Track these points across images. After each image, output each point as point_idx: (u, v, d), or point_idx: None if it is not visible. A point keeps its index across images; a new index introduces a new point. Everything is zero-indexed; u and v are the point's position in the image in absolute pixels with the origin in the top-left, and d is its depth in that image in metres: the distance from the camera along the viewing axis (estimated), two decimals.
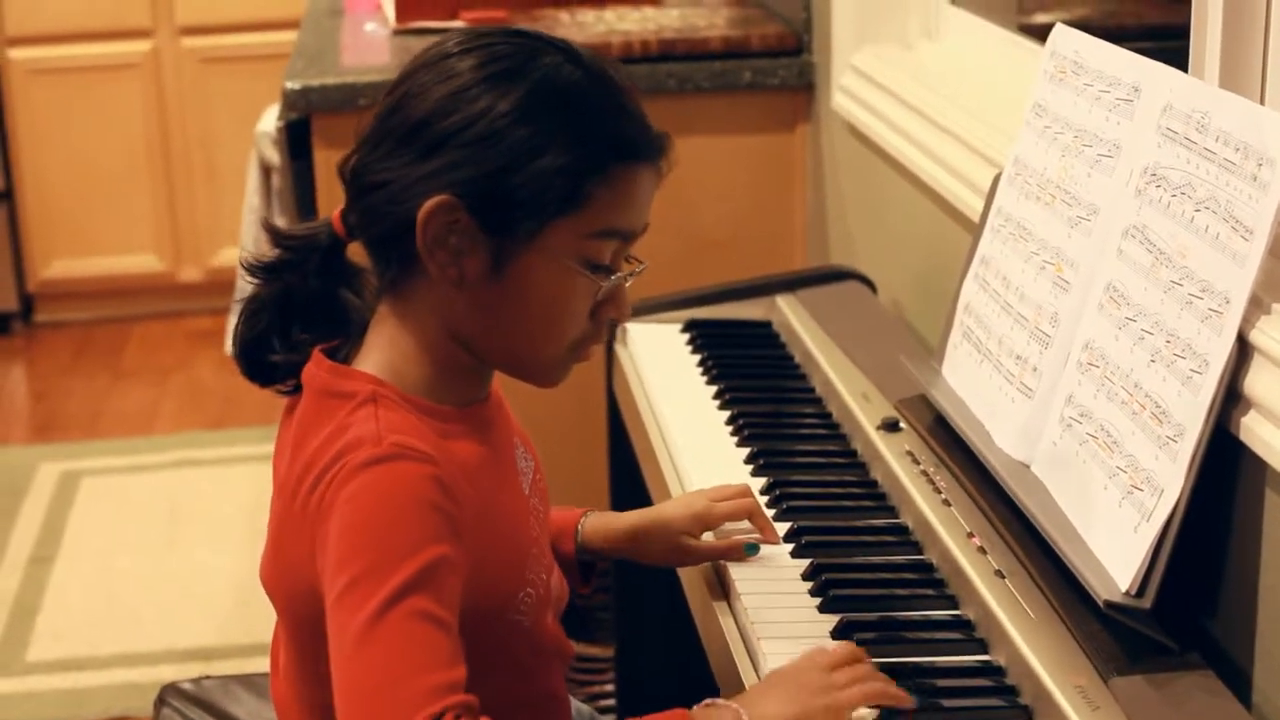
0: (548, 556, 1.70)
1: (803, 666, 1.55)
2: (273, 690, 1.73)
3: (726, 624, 1.76)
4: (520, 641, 1.63)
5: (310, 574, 1.51)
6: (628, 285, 1.61)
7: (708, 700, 1.52)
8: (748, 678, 1.66)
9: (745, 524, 1.87)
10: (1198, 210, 1.61)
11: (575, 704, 1.89)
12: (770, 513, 1.93)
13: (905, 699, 1.54)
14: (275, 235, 1.65)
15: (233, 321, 1.71)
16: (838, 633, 1.68)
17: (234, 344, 1.67)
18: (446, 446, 1.54)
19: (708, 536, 1.87)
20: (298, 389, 1.63)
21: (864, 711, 1.54)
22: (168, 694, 2.15)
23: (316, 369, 1.60)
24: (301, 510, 1.52)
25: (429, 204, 1.51)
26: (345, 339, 1.64)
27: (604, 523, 1.88)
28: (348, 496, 1.47)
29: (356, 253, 1.66)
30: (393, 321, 1.60)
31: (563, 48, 1.58)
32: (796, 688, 1.52)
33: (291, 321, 1.64)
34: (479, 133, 1.51)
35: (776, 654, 1.65)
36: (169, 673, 3.28)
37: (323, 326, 1.64)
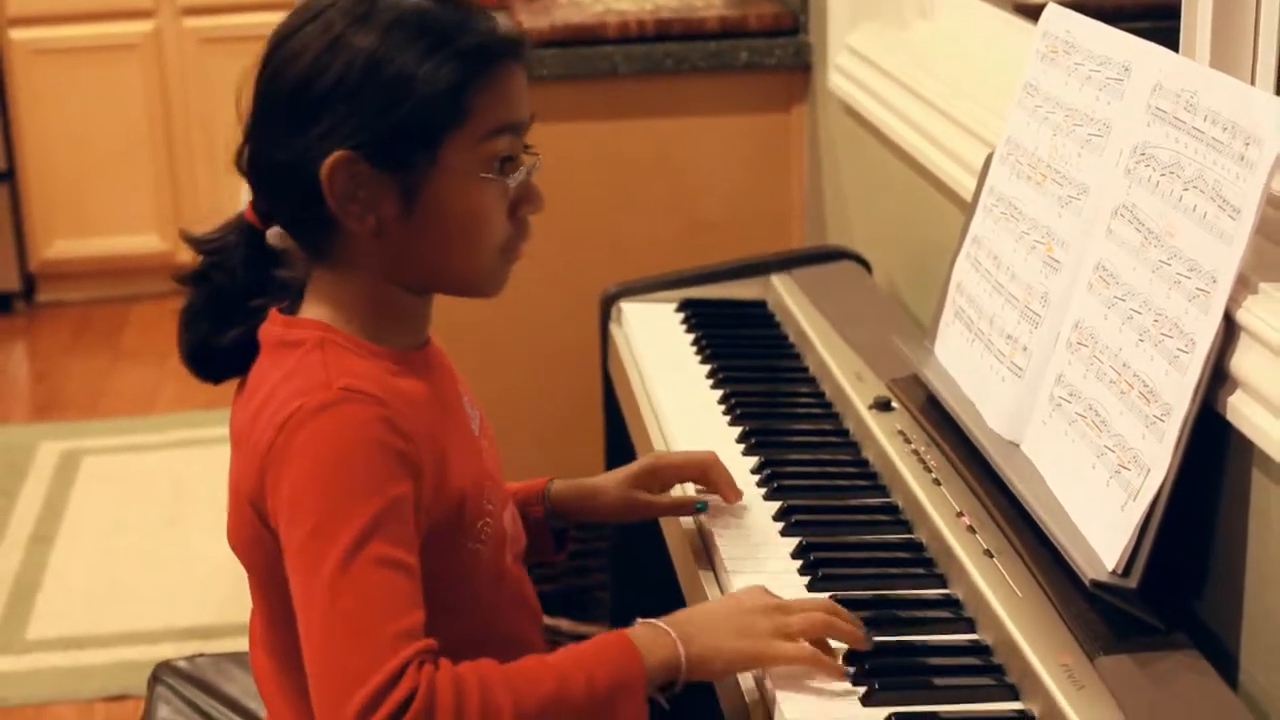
0: (502, 492, 1.74)
1: (749, 601, 1.60)
2: (252, 661, 1.75)
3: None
4: (481, 574, 1.67)
5: (268, 517, 1.55)
6: (533, 178, 1.66)
7: (647, 620, 1.58)
8: None
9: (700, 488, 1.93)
10: (1186, 189, 1.61)
11: None
12: (760, 491, 1.94)
13: (838, 673, 1.57)
14: (193, 243, 1.71)
15: None
16: None
17: (180, 350, 1.71)
18: (393, 383, 1.59)
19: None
20: (246, 368, 1.67)
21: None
22: (161, 672, 2.16)
23: (271, 324, 1.66)
24: (253, 453, 1.56)
25: (327, 164, 1.56)
26: (292, 302, 1.68)
27: (568, 486, 1.92)
28: (301, 444, 1.51)
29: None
30: (328, 281, 1.65)
31: None
32: (732, 621, 1.57)
33: (231, 317, 1.68)
34: (351, 83, 1.56)
35: None
36: (168, 651, 3.28)
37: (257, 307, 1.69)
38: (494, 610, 1.71)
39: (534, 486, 1.92)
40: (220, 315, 1.68)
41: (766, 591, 1.62)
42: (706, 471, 1.90)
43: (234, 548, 1.67)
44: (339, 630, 1.44)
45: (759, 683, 1.61)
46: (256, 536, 1.59)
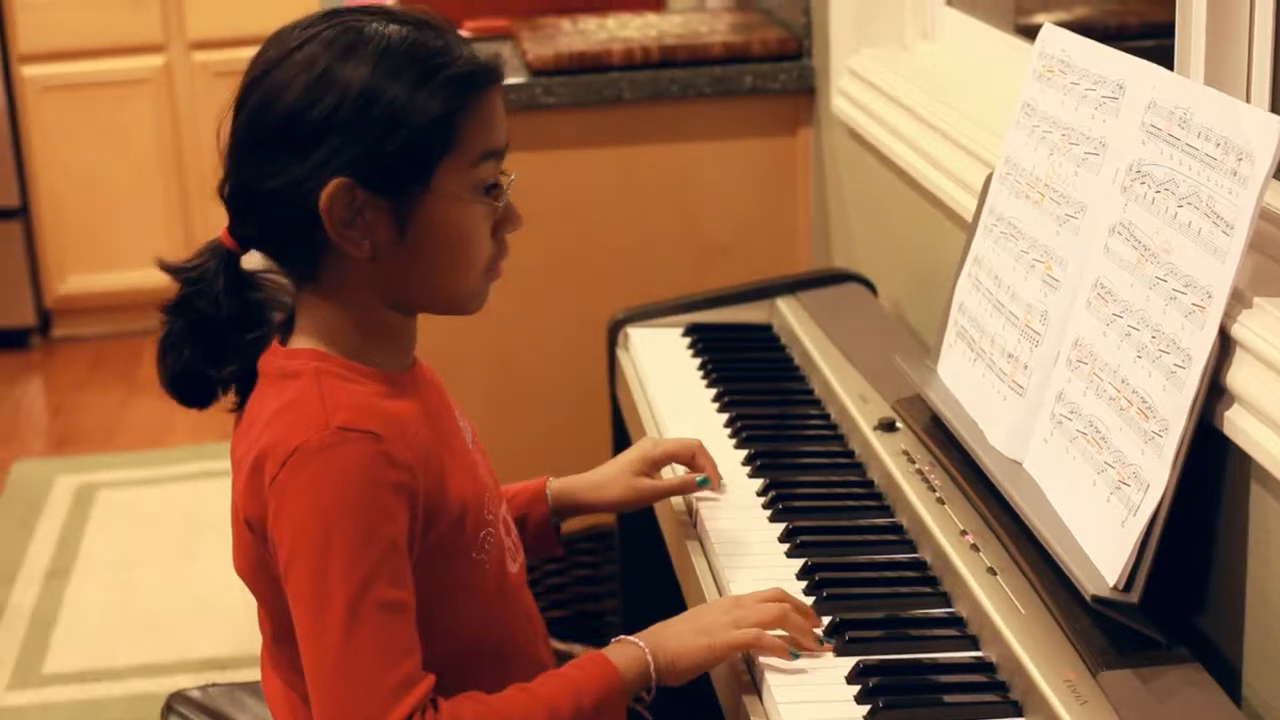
0: (501, 504, 1.79)
1: (712, 605, 1.71)
2: (264, 684, 1.79)
3: None
4: (485, 584, 1.71)
5: (268, 543, 1.59)
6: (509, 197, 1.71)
7: (620, 637, 1.67)
8: (744, 677, 1.67)
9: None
10: (1180, 206, 1.62)
11: None
12: (766, 513, 1.96)
13: (780, 650, 1.65)
14: (172, 271, 1.70)
15: None
16: (829, 631, 1.69)
17: (162, 377, 1.71)
18: (388, 407, 1.62)
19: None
20: (231, 392, 1.71)
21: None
22: (175, 701, 2.17)
23: (271, 355, 1.68)
24: (254, 481, 1.59)
25: (326, 192, 1.58)
26: (284, 326, 1.70)
27: (567, 484, 1.99)
28: (301, 487, 1.55)
29: None
30: (317, 307, 1.67)
31: (378, 11, 1.65)
32: (694, 623, 1.68)
33: (218, 342, 1.69)
34: (347, 113, 1.58)
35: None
36: (185, 682, 3.29)
37: (247, 332, 1.70)
38: (498, 621, 1.74)
39: (533, 488, 1.98)
40: (206, 342, 1.68)
41: (731, 597, 1.73)
42: (695, 456, 2.02)
43: (240, 573, 1.70)
44: (344, 679, 1.51)
45: (762, 701, 1.62)
46: (259, 559, 1.63)
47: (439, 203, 1.62)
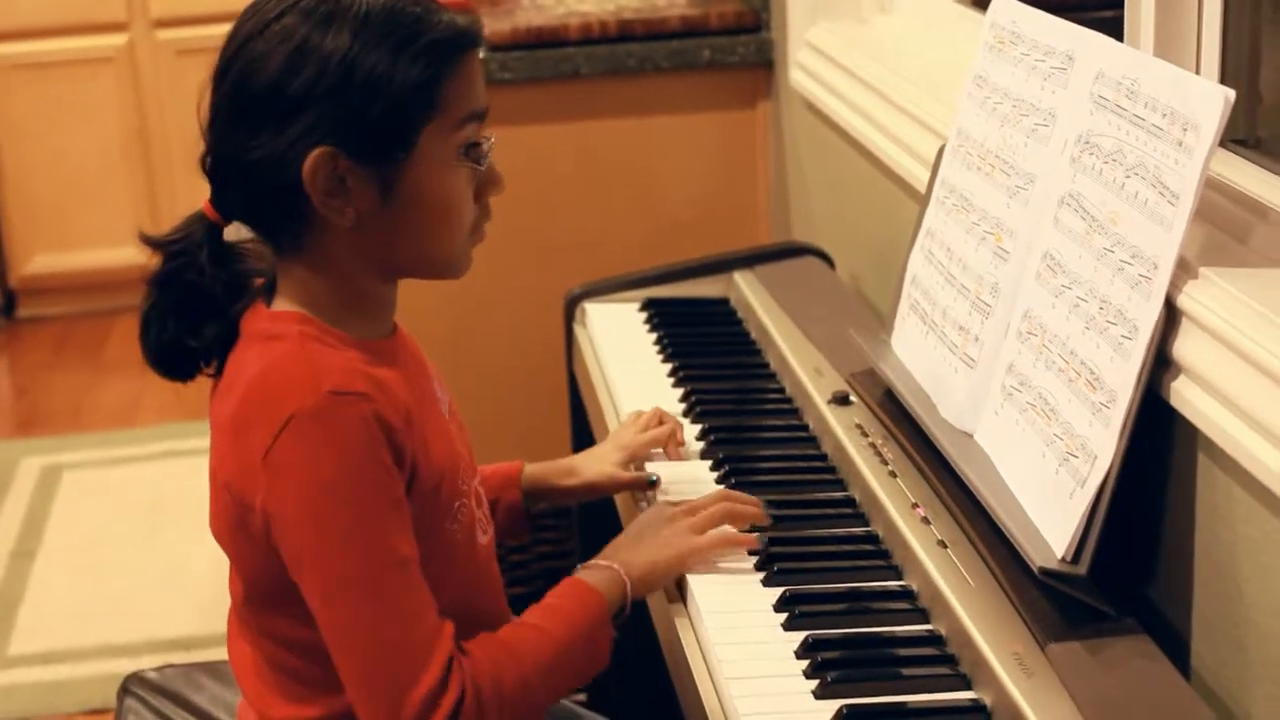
0: (474, 476, 1.79)
1: (656, 518, 1.81)
2: (230, 651, 1.78)
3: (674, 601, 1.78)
4: (457, 554, 1.71)
5: (253, 510, 1.59)
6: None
7: (587, 562, 1.75)
8: (693, 653, 1.67)
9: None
10: (1128, 177, 1.61)
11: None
12: (719, 488, 1.95)
13: (749, 541, 1.79)
14: (156, 244, 1.69)
15: None
16: (780, 605, 1.69)
17: (147, 354, 1.71)
18: (371, 373, 1.62)
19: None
20: (213, 361, 1.70)
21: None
22: (131, 683, 2.16)
23: (255, 317, 1.67)
24: (239, 446, 1.60)
25: (309, 161, 1.57)
26: (267, 289, 1.70)
27: (542, 469, 2.02)
28: (303, 458, 1.55)
29: None
30: (298, 275, 1.66)
31: None
32: (651, 538, 1.78)
33: (204, 314, 1.68)
34: (329, 83, 1.57)
35: (720, 627, 1.67)
36: (151, 663, 3.27)
37: (232, 303, 1.69)
38: (468, 590, 1.74)
39: (507, 471, 2.00)
40: (193, 313, 1.68)
41: (669, 504, 1.84)
42: (665, 447, 2.07)
43: (216, 535, 1.69)
44: (377, 646, 1.54)
45: (712, 676, 1.61)
46: (237, 521, 1.62)
47: (423, 168, 1.62)
